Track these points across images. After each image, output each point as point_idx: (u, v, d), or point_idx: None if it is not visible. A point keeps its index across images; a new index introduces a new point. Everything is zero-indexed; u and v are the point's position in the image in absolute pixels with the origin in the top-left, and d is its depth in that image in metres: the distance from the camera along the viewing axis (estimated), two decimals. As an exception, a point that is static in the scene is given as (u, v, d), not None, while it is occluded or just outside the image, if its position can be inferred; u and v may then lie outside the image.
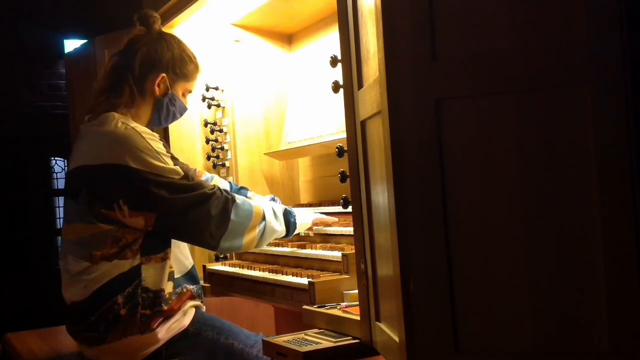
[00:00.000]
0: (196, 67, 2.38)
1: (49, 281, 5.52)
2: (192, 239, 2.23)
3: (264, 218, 2.27)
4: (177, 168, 2.16)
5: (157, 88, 2.30)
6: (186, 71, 2.35)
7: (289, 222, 2.37)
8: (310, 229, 2.52)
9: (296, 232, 2.43)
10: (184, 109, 2.40)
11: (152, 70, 2.29)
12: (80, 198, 2.14)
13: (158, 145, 2.16)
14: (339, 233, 2.43)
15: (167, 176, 2.12)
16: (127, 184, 2.10)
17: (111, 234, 2.12)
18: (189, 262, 2.30)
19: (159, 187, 2.10)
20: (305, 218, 2.45)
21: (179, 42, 2.37)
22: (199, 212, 2.14)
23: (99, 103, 2.25)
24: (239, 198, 2.24)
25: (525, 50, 1.43)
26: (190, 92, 2.41)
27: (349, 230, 2.31)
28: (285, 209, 2.40)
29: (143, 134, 2.15)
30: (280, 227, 2.33)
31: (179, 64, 2.33)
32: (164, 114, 2.34)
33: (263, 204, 2.33)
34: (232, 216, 2.19)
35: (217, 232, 2.17)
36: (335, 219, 2.51)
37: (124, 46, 2.33)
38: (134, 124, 2.19)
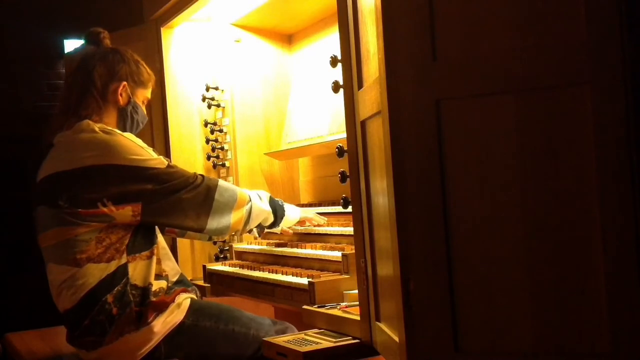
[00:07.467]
0: (150, 75, 2.43)
1: (49, 281, 5.50)
2: (179, 222, 2.25)
3: (250, 200, 2.36)
4: (161, 158, 2.22)
5: (120, 97, 2.33)
6: (143, 79, 2.40)
7: (275, 204, 2.45)
8: (301, 223, 2.56)
9: (284, 224, 2.50)
10: (145, 118, 2.45)
11: (112, 80, 2.33)
12: (59, 203, 2.14)
13: (138, 141, 2.22)
14: (339, 233, 2.44)
15: (151, 167, 2.17)
16: (109, 181, 2.13)
17: (94, 234, 2.14)
18: (174, 271, 2.31)
19: (143, 180, 2.15)
20: (293, 212, 2.52)
21: (131, 53, 2.42)
22: (183, 195, 2.19)
23: (67, 119, 2.28)
24: (222, 182, 2.31)
25: (525, 50, 1.43)
26: (148, 99, 2.45)
27: (349, 230, 2.31)
28: (269, 195, 2.47)
29: (122, 134, 2.22)
30: (267, 207, 2.41)
31: (135, 71, 2.37)
32: (129, 122, 2.38)
33: (248, 191, 2.41)
34: (216, 196, 2.26)
35: (202, 213, 2.23)
36: (324, 219, 2.56)
37: (77, 64, 2.38)
38: (109, 128, 2.24)
